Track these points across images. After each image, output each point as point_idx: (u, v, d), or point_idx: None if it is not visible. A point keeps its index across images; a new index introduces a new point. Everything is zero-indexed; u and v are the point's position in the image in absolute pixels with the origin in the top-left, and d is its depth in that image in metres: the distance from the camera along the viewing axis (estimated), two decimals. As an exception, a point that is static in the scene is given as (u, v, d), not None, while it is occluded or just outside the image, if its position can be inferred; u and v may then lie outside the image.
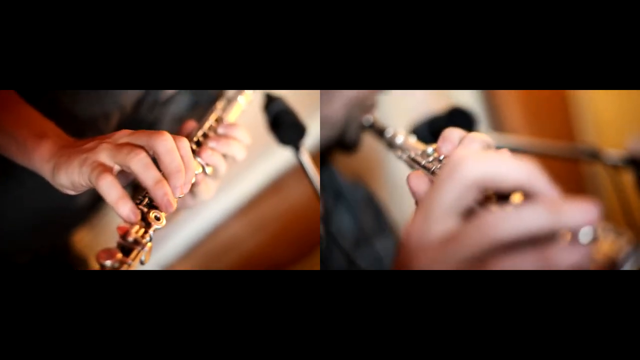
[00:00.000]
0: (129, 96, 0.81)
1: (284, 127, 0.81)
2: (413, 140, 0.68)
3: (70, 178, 0.58)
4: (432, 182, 0.52)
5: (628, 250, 0.38)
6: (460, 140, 0.55)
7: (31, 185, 0.75)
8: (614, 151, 0.99)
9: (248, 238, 1.67)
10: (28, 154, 0.62)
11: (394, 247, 0.94)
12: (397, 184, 1.50)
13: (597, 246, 0.39)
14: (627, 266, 0.38)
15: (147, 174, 0.55)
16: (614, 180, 0.98)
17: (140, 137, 0.58)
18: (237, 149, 0.68)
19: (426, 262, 0.42)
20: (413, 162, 0.61)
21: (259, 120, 0.89)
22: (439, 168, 0.54)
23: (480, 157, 0.42)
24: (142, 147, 0.56)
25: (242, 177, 1.67)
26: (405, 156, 0.64)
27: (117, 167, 0.58)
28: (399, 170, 1.52)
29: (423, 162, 0.58)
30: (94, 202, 0.88)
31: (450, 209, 0.42)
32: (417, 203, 0.52)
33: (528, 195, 0.41)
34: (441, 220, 0.42)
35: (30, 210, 0.82)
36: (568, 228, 0.38)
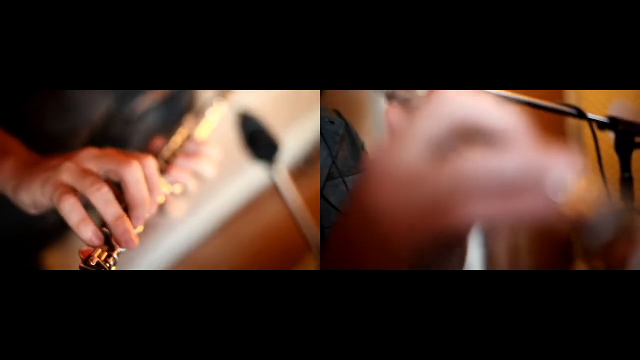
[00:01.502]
0: (98, 112, 0.80)
1: (257, 144, 0.81)
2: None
3: (31, 197, 0.57)
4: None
5: (603, 210, 0.36)
6: None
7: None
8: (597, 112, 1.02)
9: (223, 258, 1.66)
10: None
11: None
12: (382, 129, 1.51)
13: (571, 200, 0.37)
14: (599, 226, 0.36)
15: (107, 210, 0.55)
16: (595, 139, 1.00)
17: (106, 162, 0.57)
18: (206, 166, 0.67)
19: (389, 195, 0.40)
20: (394, 98, 0.59)
21: (233, 139, 0.89)
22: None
23: (467, 98, 0.40)
24: (105, 182, 0.56)
25: (215, 196, 1.66)
26: (389, 92, 0.61)
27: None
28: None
29: (403, 95, 0.56)
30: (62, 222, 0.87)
31: (425, 143, 0.39)
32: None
33: (508, 144, 0.39)
34: (414, 153, 0.39)
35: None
36: (543, 178, 0.36)
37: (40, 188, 0.56)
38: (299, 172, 1.68)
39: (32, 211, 0.59)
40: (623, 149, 1.02)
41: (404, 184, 0.39)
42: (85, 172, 0.56)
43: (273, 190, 0.89)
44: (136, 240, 0.56)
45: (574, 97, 1.85)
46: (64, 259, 1.00)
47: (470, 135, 0.40)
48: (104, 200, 0.54)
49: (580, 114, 1.03)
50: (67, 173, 0.55)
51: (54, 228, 0.87)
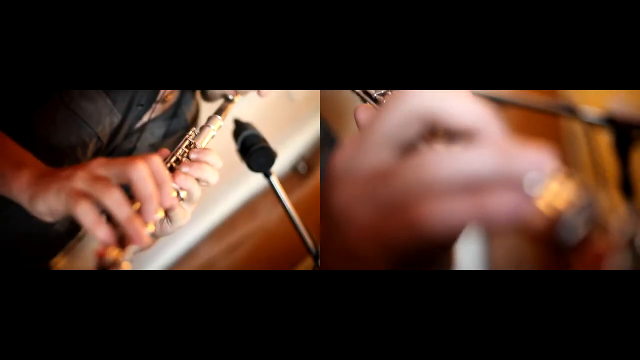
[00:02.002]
0: (105, 125, 0.83)
1: (254, 154, 0.83)
2: None
3: (47, 205, 0.60)
4: None
5: (579, 205, 0.34)
6: None
7: (7, 214, 0.76)
8: (593, 109, 0.96)
9: (222, 262, 1.67)
10: (6, 184, 0.63)
11: None
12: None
13: (545, 197, 0.34)
14: (574, 222, 0.34)
15: (119, 210, 0.57)
16: (589, 138, 0.96)
17: (114, 167, 0.60)
18: (210, 173, 0.69)
19: (349, 195, 0.37)
20: (365, 95, 0.58)
21: (231, 145, 0.91)
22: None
23: (431, 92, 0.37)
24: (115, 185, 0.58)
25: (214, 201, 1.67)
26: (360, 91, 0.60)
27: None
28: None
29: (375, 95, 0.55)
30: (70, 229, 0.90)
31: (388, 139, 0.37)
32: None
33: (476, 139, 0.37)
34: (376, 150, 0.37)
35: (9, 236, 0.83)
36: (514, 174, 0.33)
37: (56, 196, 0.59)
38: (297, 177, 1.71)
39: (48, 219, 0.62)
40: (621, 148, 0.95)
41: (364, 182, 0.36)
42: (97, 178, 0.59)
43: (271, 194, 0.90)
44: (148, 238, 0.58)
45: (566, 93, 1.82)
46: (73, 264, 1.02)
47: (435, 131, 0.38)
48: (116, 202, 0.57)
49: (573, 113, 0.97)
50: (80, 181, 0.58)
51: (65, 235, 0.90)
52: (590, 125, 0.97)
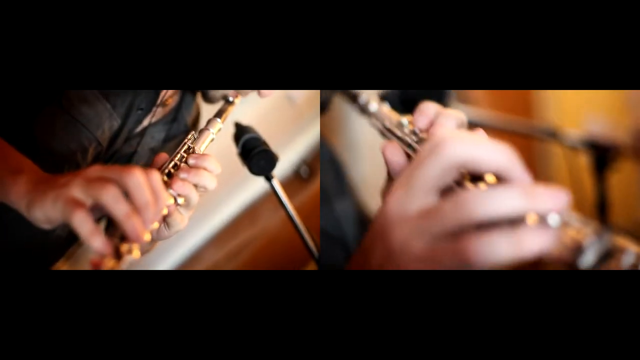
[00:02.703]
0: (105, 130, 0.82)
1: (255, 157, 0.83)
2: (386, 109, 0.69)
3: (44, 213, 0.59)
4: (406, 153, 0.55)
5: (593, 237, 0.40)
6: (436, 115, 0.58)
7: (7, 220, 0.76)
8: (572, 131, 1.02)
9: (225, 267, 1.67)
10: (4, 190, 0.63)
11: (353, 209, 0.94)
12: (358, 145, 1.49)
13: (565, 231, 0.41)
14: (592, 251, 0.40)
15: (116, 207, 0.57)
16: (570, 161, 1.02)
17: (111, 172, 0.59)
18: (208, 179, 0.69)
19: (402, 233, 0.44)
20: (388, 132, 0.62)
21: (232, 148, 0.90)
22: (416, 141, 0.56)
23: (463, 139, 0.44)
24: (113, 181, 0.58)
25: (216, 206, 1.67)
26: (379, 124, 0.65)
27: (89, 202, 0.59)
28: (360, 132, 1.52)
29: (399, 134, 0.59)
30: (72, 234, 0.89)
31: (431, 186, 0.44)
32: (389, 172, 0.56)
33: (501, 178, 0.44)
34: (422, 196, 0.44)
35: (9, 243, 0.83)
36: (538, 212, 0.41)
37: (52, 204, 0.58)
38: (299, 181, 1.71)
39: (46, 226, 0.61)
40: (599, 169, 1.02)
41: (416, 221, 0.44)
42: (93, 180, 0.58)
43: (273, 200, 0.90)
44: (145, 236, 0.58)
45: (552, 105, 1.82)
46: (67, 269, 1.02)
47: (467, 171, 0.46)
48: (113, 199, 0.56)
49: (554, 136, 1.03)
50: (76, 187, 0.58)
51: (66, 240, 0.89)
52: (571, 147, 1.04)
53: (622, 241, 0.40)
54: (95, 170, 0.60)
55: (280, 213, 0.90)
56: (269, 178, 0.85)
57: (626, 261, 0.39)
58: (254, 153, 0.83)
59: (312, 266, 0.91)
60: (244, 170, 0.88)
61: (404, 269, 0.44)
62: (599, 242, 0.40)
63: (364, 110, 0.73)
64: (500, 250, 0.40)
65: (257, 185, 1.53)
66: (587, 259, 0.40)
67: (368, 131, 0.64)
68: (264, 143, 0.85)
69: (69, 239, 0.90)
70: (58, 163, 0.79)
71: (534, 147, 1.82)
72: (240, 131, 0.88)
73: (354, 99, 0.76)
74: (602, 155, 1.02)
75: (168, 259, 1.65)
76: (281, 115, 1.65)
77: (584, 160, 1.04)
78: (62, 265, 1.00)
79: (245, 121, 0.94)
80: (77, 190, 0.58)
